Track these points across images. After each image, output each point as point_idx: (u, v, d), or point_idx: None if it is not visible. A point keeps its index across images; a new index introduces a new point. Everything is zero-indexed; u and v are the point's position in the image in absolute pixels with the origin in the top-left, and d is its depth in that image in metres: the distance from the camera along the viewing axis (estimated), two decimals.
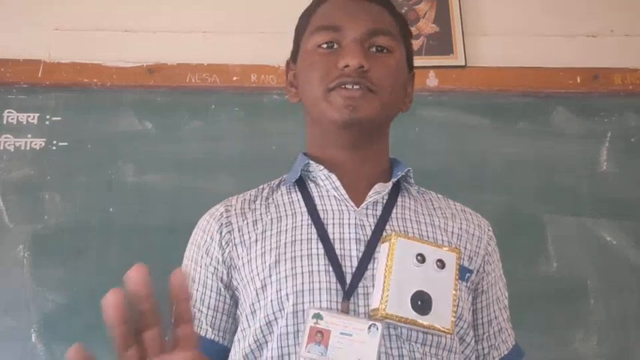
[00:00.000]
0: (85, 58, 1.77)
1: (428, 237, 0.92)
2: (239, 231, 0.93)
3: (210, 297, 0.93)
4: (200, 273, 0.94)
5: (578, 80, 1.79)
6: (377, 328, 0.81)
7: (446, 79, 1.78)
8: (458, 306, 0.87)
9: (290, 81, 1.03)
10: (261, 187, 1.02)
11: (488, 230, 1.01)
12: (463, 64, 1.79)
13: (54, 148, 1.71)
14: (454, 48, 1.81)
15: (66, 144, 1.72)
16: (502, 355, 0.98)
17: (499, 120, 1.77)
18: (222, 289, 0.92)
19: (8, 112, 1.74)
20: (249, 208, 0.96)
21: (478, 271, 0.95)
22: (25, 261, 1.62)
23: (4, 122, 1.73)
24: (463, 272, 0.91)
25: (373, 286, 0.83)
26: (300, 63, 0.99)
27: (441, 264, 0.81)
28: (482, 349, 0.97)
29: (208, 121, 1.75)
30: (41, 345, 1.57)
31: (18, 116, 1.73)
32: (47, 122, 1.73)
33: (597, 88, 1.79)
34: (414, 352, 0.83)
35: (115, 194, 1.68)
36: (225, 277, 0.92)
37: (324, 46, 0.94)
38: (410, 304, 0.76)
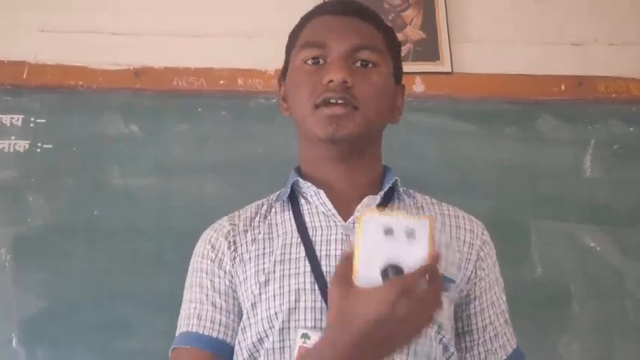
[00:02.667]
0: (71, 60, 1.75)
1: None
2: (240, 249, 0.97)
3: (232, 304, 0.96)
4: (220, 283, 0.97)
5: (563, 88, 1.81)
6: None
7: (432, 85, 1.79)
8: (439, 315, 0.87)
9: (282, 96, 1.06)
10: (260, 202, 1.05)
11: (482, 235, 1.02)
12: (449, 70, 1.80)
13: (38, 150, 1.70)
14: (440, 54, 1.82)
15: (50, 146, 1.70)
16: None
17: (485, 126, 1.78)
18: (237, 299, 0.96)
19: None
20: (250, 225, 1.00)
21: (469, 278, 0.97)
22: (7, 264, 1.60)
23: None
24: (446, 283, 0.92)
25: None
26: (288, 79, 1.02)
27: (411, 233, 0.77)
28: (479, 354, 0.98)
29: (195, 125, 1.74)
30: (22, 350, 1.55)
31: (2, 118, 1.71)
32: (32, 124, 1.71)
33: (582, 96, 1.81)
34: None
35: (100, 197, 1.67)
36: (237, 290, 0.96)
37: (310, 62, 0.96)
38: (381, 278, 0.73)
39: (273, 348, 0.88)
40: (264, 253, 0.95)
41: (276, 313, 0.88)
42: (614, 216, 1.72)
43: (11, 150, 1.69)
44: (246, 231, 0.99)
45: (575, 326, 1.64)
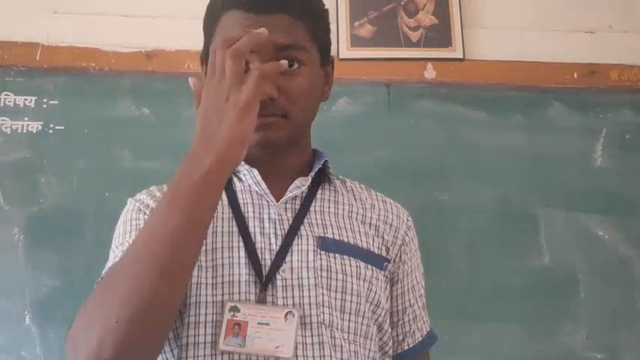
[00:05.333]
0: (84, 42, 1.76)
1: (346, 228, 0.94)
2: None
3: None
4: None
5: (575, 76, 1.79)
6: (293, 315, 0.83)
7: (444, 72, 1.78)
8: (375, 292, 0.92)
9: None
10: None
11: (407, 220, 1.04)
12: (461, 56, 1.79)
13: (50, 131, 1.71)
14: (453, 40, 1.81)
15: (62, 128, 1.72)
16: (416, 341, 1.01)
17: (495, 113, 1.77)
18: None
19: (5, 95, 1.73)
20: None
21: (394, 260, 0.99)
22: (19, 244, 1.63)
23: (1, 105, 1.72)
24: (381, 261, 0.95)
25: (291, 278, 0.86)
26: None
27: None
28: (397, 335, 1.00)
29: None
30: (35, 327, 1.58)
31: (15, 99, 1.73)
32: (44, 105, 1.73)
33: (594, 84, 1.79)
34: (334, 338, 0.85)
35: (111, 179, 1.68)
36: None
37: None
38: None
39: (205, 321, 0.84)
40: None
41: (206, 285, 0.85)
42: (623, 206, 1.72)
43: (24, 131, 1.71)
44: None
45: (582, 314, 1.65)
